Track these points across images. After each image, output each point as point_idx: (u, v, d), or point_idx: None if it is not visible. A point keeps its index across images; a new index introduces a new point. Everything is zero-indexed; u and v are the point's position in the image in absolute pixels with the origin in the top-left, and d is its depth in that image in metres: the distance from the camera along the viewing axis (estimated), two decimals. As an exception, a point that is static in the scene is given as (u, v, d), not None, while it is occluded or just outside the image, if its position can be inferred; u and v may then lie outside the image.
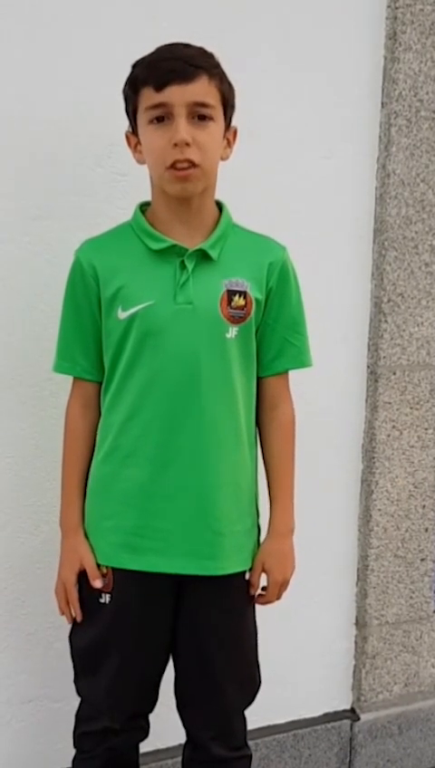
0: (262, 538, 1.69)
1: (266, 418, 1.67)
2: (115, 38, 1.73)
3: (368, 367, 2.19)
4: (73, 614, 1.65)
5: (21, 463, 1.84)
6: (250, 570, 1.65)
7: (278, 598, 1.69)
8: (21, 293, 1.79)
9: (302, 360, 1.68)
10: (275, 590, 1.68)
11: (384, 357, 2.17)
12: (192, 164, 1.47)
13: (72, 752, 1.72)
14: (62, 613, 1.67)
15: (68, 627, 1.69)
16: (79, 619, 1.64)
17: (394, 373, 2.18)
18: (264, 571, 1.66)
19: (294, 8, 1.94)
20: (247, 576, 1.65)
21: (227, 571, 1.60)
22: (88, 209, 1.79)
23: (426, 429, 2.25)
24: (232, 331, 1.56)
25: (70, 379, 1.65)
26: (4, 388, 1.81)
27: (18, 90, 1.72)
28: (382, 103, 2.08)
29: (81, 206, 1.80)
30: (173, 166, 1.47)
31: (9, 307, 1.79)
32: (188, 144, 1.45)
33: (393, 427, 2.20)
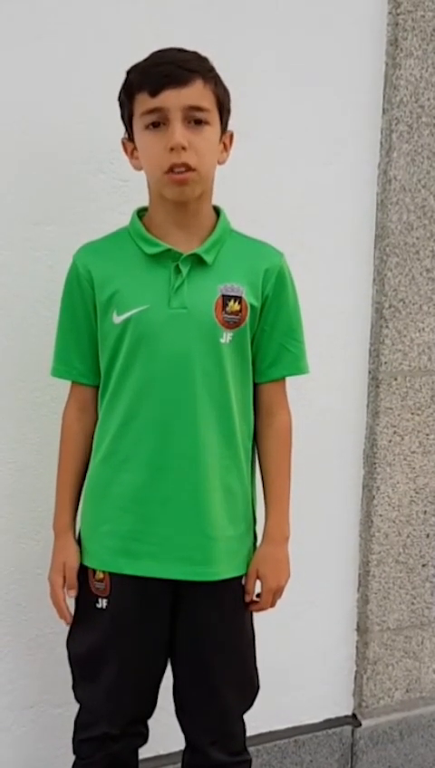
0: (258, 544, 1.68)
1: (263, 425, 1.67)
2: (117, 44, 1.74)
3: (369, 372, 2.19)
4: (65, 615, 1.65)
5: (22, 468, 1.84)
6: (245, 576, 1.65)
7: (272, 605, 1.68)
8: (22, 299, 1.79)
9: (299, 367, 1.67)
10: (269, 598, 1.67)
11: (386, 362, 2.17)
12: (189, 168, 1.47)
13: (73, 757, 1.72)
14: (61, 617, 1.67)
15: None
16: (67, 621, 1.64)
17: (395, 379, 2.18)
18: (258, 577, 1.65)
19: (295, 14, 1.95)
20: (244, 582, 1.65)
21: (220, 576, 1.60)
22: (90, 215, 1.80)
23: (427, 435, 2.24)
24: (226, 336, 1.56)
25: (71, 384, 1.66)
26: (5, 393, 1.81)
27: (20, 95, 1.72)
28: (384, 109, 2.08)
29: (82, 211, 1.80)
30: (170, 170, 1.47)
31: (10, 312, 1.79)
32: (184, 148, 1.45)
33: (395, 432, 2.20)
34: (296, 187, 2.02)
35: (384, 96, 2.08)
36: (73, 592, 1.62)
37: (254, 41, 1.91)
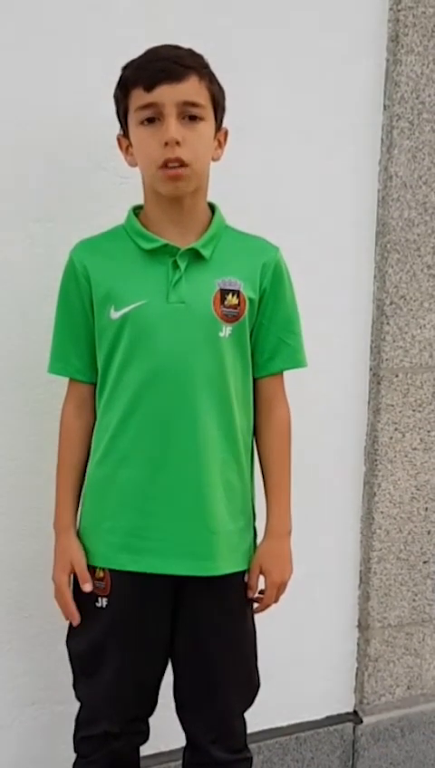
0: (259, 540, 1.68)
1: (262, 419, 1.67)
2: (118, 41, 1.73)
3: (370, 369, 2.19)
4: (74, 614, 1.63)
5: (24, 465, 1.84)
6: (248, 571, 1.65)
7: (276, 600, 1.69)
8: (23, 295, 1.79)
9: (297, 360, 1.67)
10: (274, 593, 1.67)
11: (387, 359, 2.16)
12: (182, 163, 1.47)
13: (75, 755, 1.72)
14: (67, 618, 1.65)
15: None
16: (76, 621, 1.63)
17: (397, 375, 2.18)
18: (262, 572, 1.65)
19: (296, 10, 1.94)
20: (246, 578, 1.65)
21: (221, 571, 1.59)
22: (90, 211, 1.79)
23: (428, 432, 2.24)
24: (226, 330, 1.56)
25: (73, 381, 1.66)
26: (7, 390, 1.81)
27: (20, 92, 1.72)
28: (385, 106, 2.08)
29: (83, 208, 1.80)
30: (164, 165, 1.47)
31: (12, 309, 1.79)
32: (178, 143, 1.45)
33: (396, 429, 2.20)
34: (297, 183, 2.01)
35: (385, 92, 2.07)
36: (89, 586, 1.60)
37: (255, 36, 1.91)
